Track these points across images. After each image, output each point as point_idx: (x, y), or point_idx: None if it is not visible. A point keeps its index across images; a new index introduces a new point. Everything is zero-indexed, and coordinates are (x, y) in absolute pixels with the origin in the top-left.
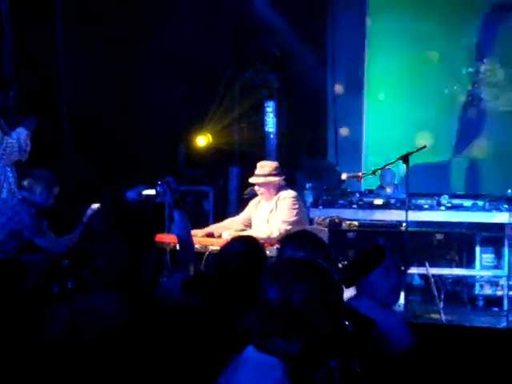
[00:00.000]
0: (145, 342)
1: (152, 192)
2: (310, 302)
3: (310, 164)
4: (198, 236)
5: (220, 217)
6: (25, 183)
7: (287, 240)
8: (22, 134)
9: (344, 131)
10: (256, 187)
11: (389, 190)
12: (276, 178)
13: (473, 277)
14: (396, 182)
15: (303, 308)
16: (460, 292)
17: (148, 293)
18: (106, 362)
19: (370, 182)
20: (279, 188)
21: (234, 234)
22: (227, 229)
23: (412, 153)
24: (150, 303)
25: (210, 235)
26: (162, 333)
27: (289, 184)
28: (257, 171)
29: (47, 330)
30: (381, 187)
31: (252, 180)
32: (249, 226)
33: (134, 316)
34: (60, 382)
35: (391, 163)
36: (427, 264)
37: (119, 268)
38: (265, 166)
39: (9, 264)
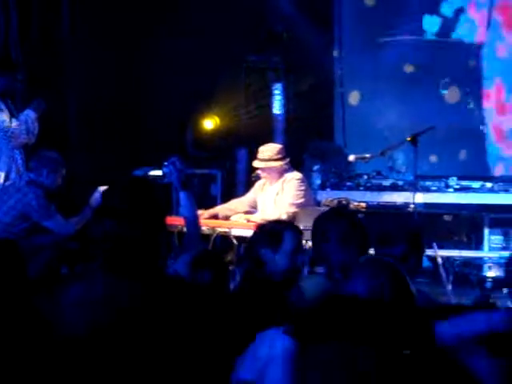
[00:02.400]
0: (158, 323)
1: (158, 173)
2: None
3: (318, 146)
4: (204, 216)
5: (227, 199)
6: (32, 165)
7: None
8: (29, 116)
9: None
10: (259, 171)
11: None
12: (276, 163)
13: (481, 258)
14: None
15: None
16: (468, 274)
17: (161, 274)
18: (119, 343)
19: (378, 164)
20: (283, 171)
21: (243, 217)
22: (232, 210)
23: (420, 133)
24: (163, 284)
25: (215, 216)
26: (174, 311)
27: (296, 166)
28: (258, 155)
29: (57, 311)
30: (390, 168)
31: (254, 164)
32: (254, 207)
33: (148, 297)
34: (70, 366)
35: (399, 144)
36: (435, 246)
37: (133, 248)
38: (266, 151)
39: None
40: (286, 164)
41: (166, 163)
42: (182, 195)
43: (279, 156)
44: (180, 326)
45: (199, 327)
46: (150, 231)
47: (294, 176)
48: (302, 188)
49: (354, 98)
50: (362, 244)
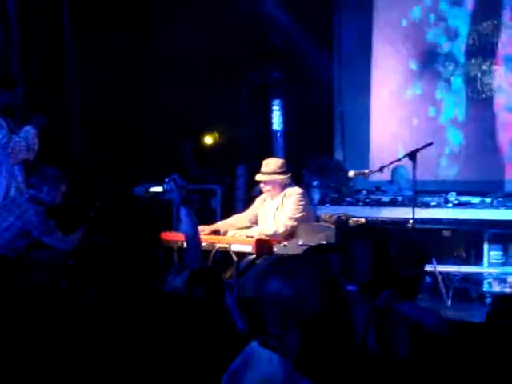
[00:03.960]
0: (152, 336)
1: (159, 189)
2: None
3: (317, 161)
4: (205, 232)
5: (227, 215)
6: (32, 182)
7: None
8: (29, 132)
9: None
10: (261, 184)
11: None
12: (281, 176)
13: (481, 274)
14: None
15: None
16: (468, 289)
17: (155, 290)
18: (111, 354)
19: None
20: (285, 185)
21: (239, 232)
22: (233, 225)
23: (419, 149)
24: (158, 299)
25: (216, 232)
26: (167, 325)
27: (296, 182)
28: (262, 169)
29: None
30: (390, 183)
31: (257, 177)
32: (255, 222)
33: (142, 313)
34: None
35: (398, 160)
36: (435, 261)
37: (127, 265)
38: (270, 164)
39: (9, 261)
40: (288, 178)
41: (166, 180)
42: (183, 211)
43: (283, 169)
44: (170, 340)
45: (190, 341)
46: (142, 248)
47: (295, 191)
48: (302, 203)
49: None
50: None
